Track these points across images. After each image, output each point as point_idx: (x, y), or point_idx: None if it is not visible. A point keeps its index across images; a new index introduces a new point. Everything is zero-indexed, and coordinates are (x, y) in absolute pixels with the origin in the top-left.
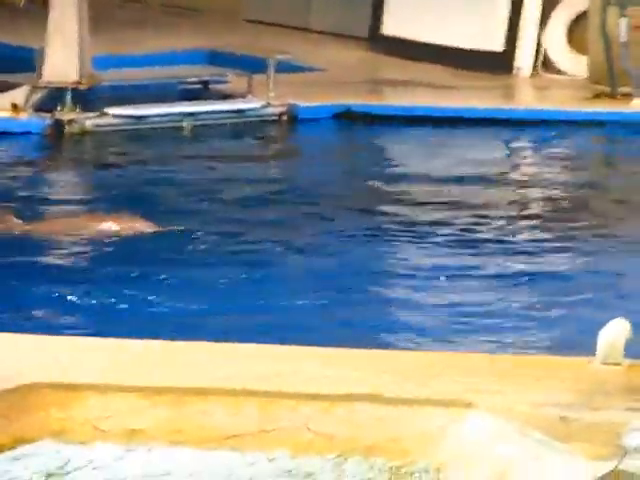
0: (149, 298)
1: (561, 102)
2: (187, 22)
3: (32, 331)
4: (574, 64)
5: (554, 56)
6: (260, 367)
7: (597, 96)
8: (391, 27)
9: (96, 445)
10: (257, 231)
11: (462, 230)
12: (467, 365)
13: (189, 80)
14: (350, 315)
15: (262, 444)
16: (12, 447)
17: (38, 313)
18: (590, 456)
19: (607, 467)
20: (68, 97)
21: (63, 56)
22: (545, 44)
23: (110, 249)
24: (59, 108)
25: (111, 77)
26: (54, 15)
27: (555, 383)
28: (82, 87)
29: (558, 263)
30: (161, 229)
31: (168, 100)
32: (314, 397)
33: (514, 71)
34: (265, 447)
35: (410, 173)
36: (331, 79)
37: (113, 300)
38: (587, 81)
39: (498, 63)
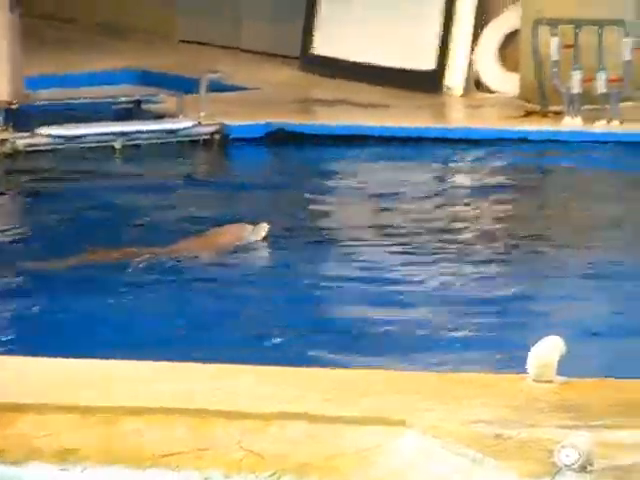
0: (85, 315)
1: (491, 120)
2: (121, 43)
3: None
4: (505, 82)
5: (485, 75)
6: (194, 385)
7: (528, 114)
8: (322, 46)
9: (30, 465)
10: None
11: (394, 252)
12: (400, 383)
13: (121, 100)
14: (282, 333)
15: (196, 463)
16: None
17: None
18: (523, 474)
19: None
20: (0, 117)
21: None
22: (476, 63)
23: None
24: None
25: (44, 97)
26: None
27: (488, 400)
28: (14, 107)
29: (492, 282)
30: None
31: (100, 120)
32: (247, 415)
33: (445, 90)
34: (199, 466)
35: (343, 193)
36: (263, 98)
37: (46, 318)
38: (518, 99)
39: (429, 82)
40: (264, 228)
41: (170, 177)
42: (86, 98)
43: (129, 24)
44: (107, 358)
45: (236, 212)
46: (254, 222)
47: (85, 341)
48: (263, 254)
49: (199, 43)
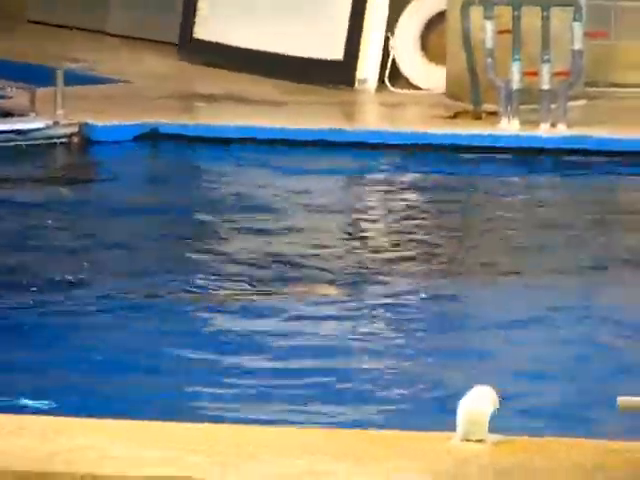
0: None
1: (412, 122)
2: None
3: None
4: (429, 76)
5: (404, 66)
6: (48, 444)
7: (457, 115)
8: (207, 31)
9: None
10: (40, 264)
11: (275, 279)
12: (298, 442)
13: None
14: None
15: None
16: None
17: None
18: None
19: None
20: None
21: None
22: (393, 52)
23: None
24: None
25: None
26: None
27: (408, 463)
28: None
29: (411, 312)
30: None
31: None
32: None
33: (356, 84)
34: None
35: (226, 203)
36: (134, 93)
37: None
38: (445, 97)
39: (338, 75)
40: None
41: (15, 188)
42: None
43: None
44: None
45: (92, 224)
46: None
47: None
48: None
49: (54, 25)
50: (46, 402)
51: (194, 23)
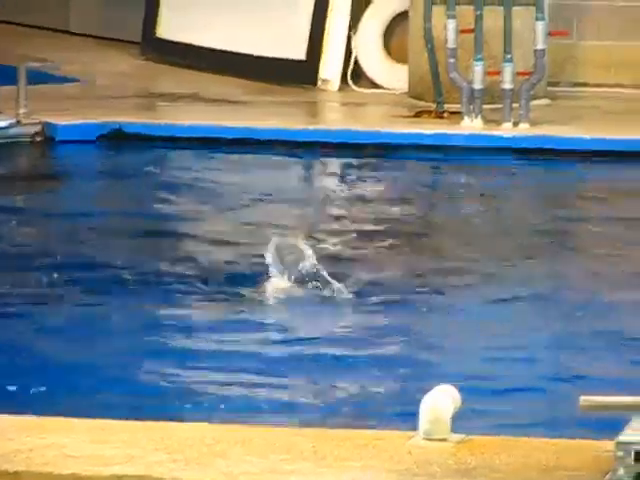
0: None
1: (374, 122)
2: None
3: None
4: (391, 75)
5: (367, 66)
6: (9, 443)
7: (419, 114)
8: (170, 29)
9: None
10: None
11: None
12: (264, 441)
13: None
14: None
15: None
16: None
17: None
18: None
19: None
20: None
21: None
22: (356, 51)
23: None
24: None
25: None
26: None
27: (370, 462)
28: None
29: (377, 313)
30: None
31: None
32: (78, 479)
33: (319, 84)
34: None
35: (191, 203)
36: (97, 92)
37: None
38: (408, 96)
39: (300, 74)
40: None
41: None
42: None
43: None
44: None
45: (57, 226)
46: None
47: None
48: None
49: (13, 23)
50: None
51: (156, 22)
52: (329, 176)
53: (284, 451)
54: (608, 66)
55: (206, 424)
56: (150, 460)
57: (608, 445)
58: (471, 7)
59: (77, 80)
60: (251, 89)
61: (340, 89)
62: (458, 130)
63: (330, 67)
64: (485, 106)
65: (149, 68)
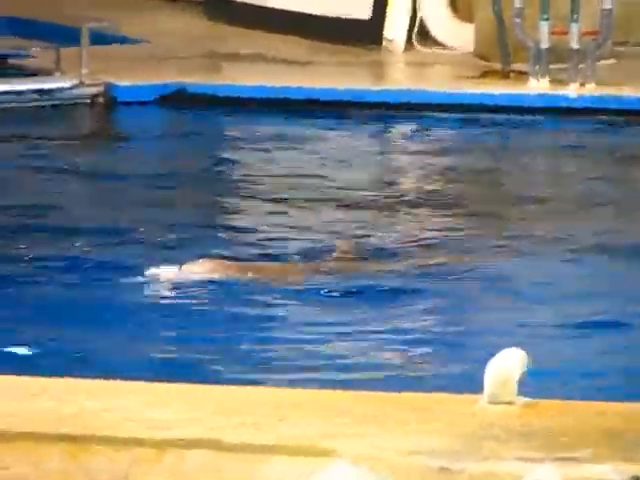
0: None
1: (440, 82)
2: None
3: None
4: (457, 35)
5: (433, 25)
6: (68, 406)
7: (485, 74)
8: None
9: None
10: (71, 224)
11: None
12: (325, 404)
13: None
14: (170, 341)
15: None
16: None
17: None
18: None
19: None
20: None
21: None
22: (421, 10)
23: None
24: None
25: None
26: None
27: (432, 426)
28: None
29: (444, 276)
30: None
31: None
32: (137, 442)
33: (384, 44)
34: None
35: (256, 167)
36: (159, 53)
37: None
38: (473, 56)
39: (365, 34)
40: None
41: (39, 151)
42: None
43: None
44: None
45: (118, 205)
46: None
47: None
48: None
49: None
50: None
51: None
52: (401, 140)
53: (345, 415)
54: None
55: (266, 387)
56: (211, 424)
57: None
58: None
59: (138, 41)
60: (315, 49)
61: (405, 49)
62: (526, 90)
63: (395, 27)
64: (552, 66)
65: (211, 29)
